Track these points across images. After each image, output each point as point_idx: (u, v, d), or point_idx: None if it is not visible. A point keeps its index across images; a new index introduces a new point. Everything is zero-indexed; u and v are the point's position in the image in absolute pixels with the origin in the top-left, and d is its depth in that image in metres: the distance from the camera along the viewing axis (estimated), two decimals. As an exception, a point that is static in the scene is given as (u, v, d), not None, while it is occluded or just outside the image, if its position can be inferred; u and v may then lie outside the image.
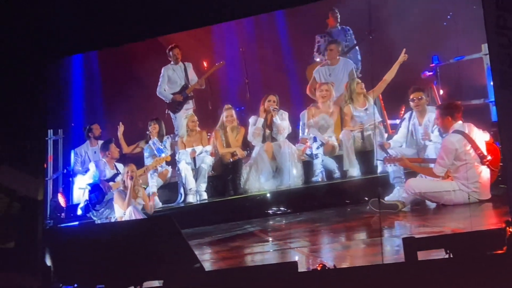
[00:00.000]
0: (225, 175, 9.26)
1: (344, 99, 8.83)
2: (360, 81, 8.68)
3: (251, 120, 9.17)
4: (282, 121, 8.97)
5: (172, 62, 10.14)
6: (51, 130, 10.06)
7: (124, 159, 9.51)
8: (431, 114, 7.82)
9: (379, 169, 8.16)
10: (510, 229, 4.96)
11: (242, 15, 9.10)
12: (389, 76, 8.57)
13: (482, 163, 6.98)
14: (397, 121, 8.55)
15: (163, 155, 9.37)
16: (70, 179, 10.02)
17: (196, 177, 9.10)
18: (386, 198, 7.48)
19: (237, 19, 9.66)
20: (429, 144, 7.74)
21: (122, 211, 8.40)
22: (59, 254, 5.91)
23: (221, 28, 10.48)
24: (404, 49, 8.51)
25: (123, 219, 8.27)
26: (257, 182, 8.85)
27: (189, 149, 9.24)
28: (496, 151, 7.02)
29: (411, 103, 7.90)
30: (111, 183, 9.05)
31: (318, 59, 9.90)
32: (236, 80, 10.48)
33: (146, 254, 5.69)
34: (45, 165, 9.48)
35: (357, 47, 9.78)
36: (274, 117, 8.93)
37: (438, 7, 8.71)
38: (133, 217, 8.15)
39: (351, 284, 5.30)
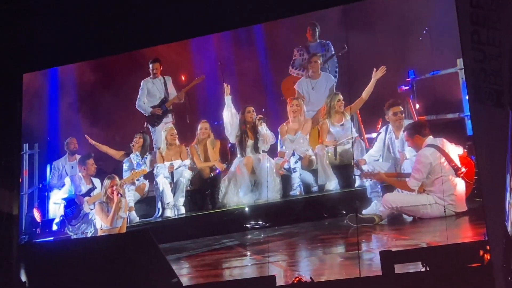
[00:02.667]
0: (203, 189, 9.24)
1: (323, 112, 8.87)
2: (341, 98, 8.70)
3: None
4: (267, 130, 9.02)
5: (151, 76, 10.12)
6: (27, 144, 9.95)
7: (101, 173, 9.44)
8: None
9: (357, 183, 8.20)
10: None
11: (221, 29, 9.14)
12: (366, 93, 8.61)
13: (457, 175, 7.06)
14: (374, 135, 8.59)
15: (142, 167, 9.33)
16: (46, 193, 9.91)
17: (174, 191, 9.06)
18: (364, 212, 7.51)
19: (216, 33, 9.67)
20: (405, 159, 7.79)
21: (102, 224, 8.35)
22: (34, 269, 5.85)
23: (199, 42, 10.48)
24: (383, 67, 8.55)
25: (103, 231, 8.24)
26: (236, 196, 8.84)
27: (167, 163, 9.20)
28: (470, 164, 7.10)
29: (393, 117, 7.95)
30: (86, 198, 8.98)
31: (293, 74, 9.92)
32: (214, 94, 10.47)
33: (123, 269, 5.65)
34: (20, 180, 9.38)
35: (336, 62, 9.81)
36: (260, 126, 8.96)
37: (413, 22, 8.80)
38: None
39: (328, 298, 5.30)
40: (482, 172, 5.78)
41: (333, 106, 8.71)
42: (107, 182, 8.62)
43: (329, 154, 8.65)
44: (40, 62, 9.19)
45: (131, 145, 9.61)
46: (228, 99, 9.22)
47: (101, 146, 9.79)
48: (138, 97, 10.11)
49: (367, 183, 7.74)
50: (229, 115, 9.20)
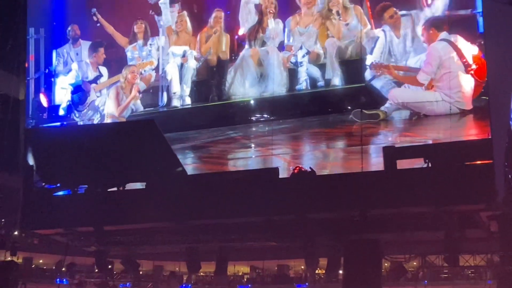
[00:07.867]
0: (209, 79, 9.17)
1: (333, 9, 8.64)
2: None
3: None
4: (277, 25, 8.84)
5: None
6: (33, 29, 9.83)
7: (107, 62, 9.39)
8: (407, 23, 7.77)
9: (368, 78, 8.10)
10: None
11: None
12: None
13: (467, 71, 6.99)
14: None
15: (148, 59, 9.27)
16: (52, 79, 9.88)
17: (180, 81, 9.03)
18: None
19: None
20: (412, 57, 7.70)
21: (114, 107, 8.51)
22: (41, 154, 5.94)
23: None
24: None
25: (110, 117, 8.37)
26: (242, 87, 8.80)
27: (179, 49, 9.08)
28: (483, 64, 7.01)
29: (389, 20, 7.82)
30: (93, 85, 8.97)
31: None
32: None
33: (129, 157, 5.73)
34: (26, 64, 9.34)
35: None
36: (269, 19, 8.79)
37: None
38: None
39: (331, 191, 5.39)
40: (490, 70, 5.73)
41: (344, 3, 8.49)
42: (127, 69, 8.72)
43: (340, 48, 8.48)
44: None
45: (133, 32, 9.46)
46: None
47: (108, 26, 9.64)
48: None
49: (379, 83, 7.66)
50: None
